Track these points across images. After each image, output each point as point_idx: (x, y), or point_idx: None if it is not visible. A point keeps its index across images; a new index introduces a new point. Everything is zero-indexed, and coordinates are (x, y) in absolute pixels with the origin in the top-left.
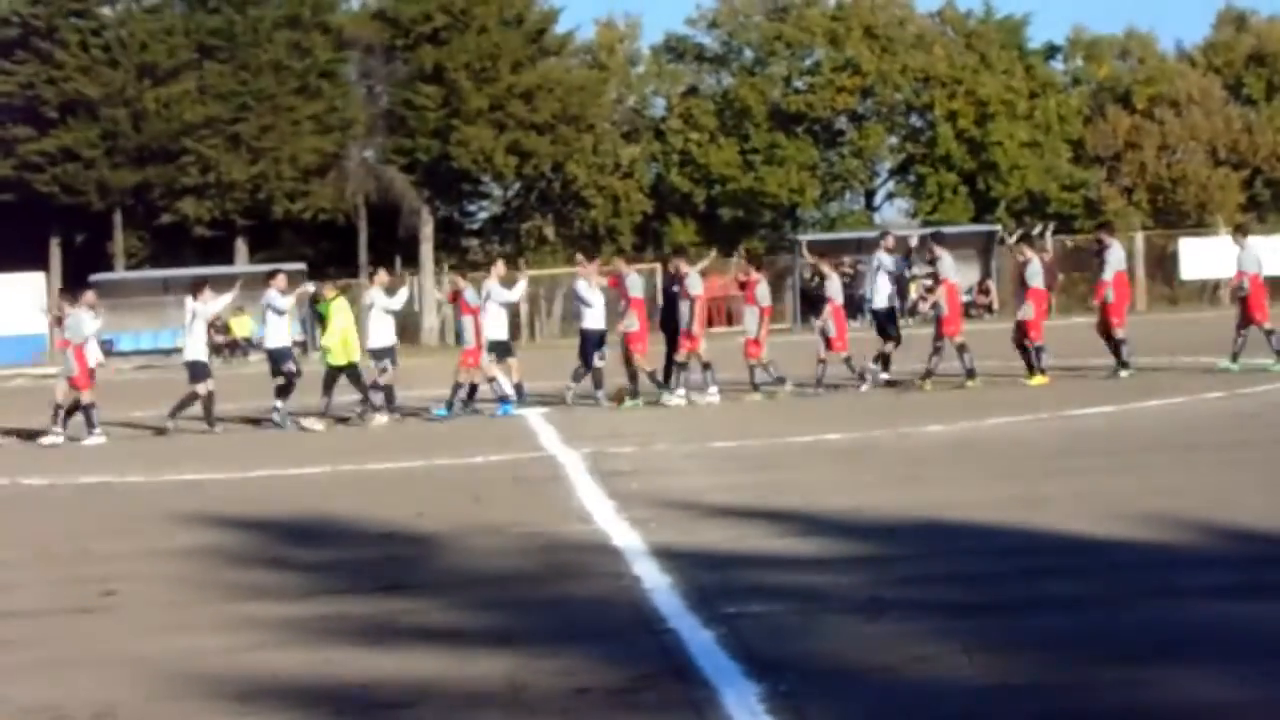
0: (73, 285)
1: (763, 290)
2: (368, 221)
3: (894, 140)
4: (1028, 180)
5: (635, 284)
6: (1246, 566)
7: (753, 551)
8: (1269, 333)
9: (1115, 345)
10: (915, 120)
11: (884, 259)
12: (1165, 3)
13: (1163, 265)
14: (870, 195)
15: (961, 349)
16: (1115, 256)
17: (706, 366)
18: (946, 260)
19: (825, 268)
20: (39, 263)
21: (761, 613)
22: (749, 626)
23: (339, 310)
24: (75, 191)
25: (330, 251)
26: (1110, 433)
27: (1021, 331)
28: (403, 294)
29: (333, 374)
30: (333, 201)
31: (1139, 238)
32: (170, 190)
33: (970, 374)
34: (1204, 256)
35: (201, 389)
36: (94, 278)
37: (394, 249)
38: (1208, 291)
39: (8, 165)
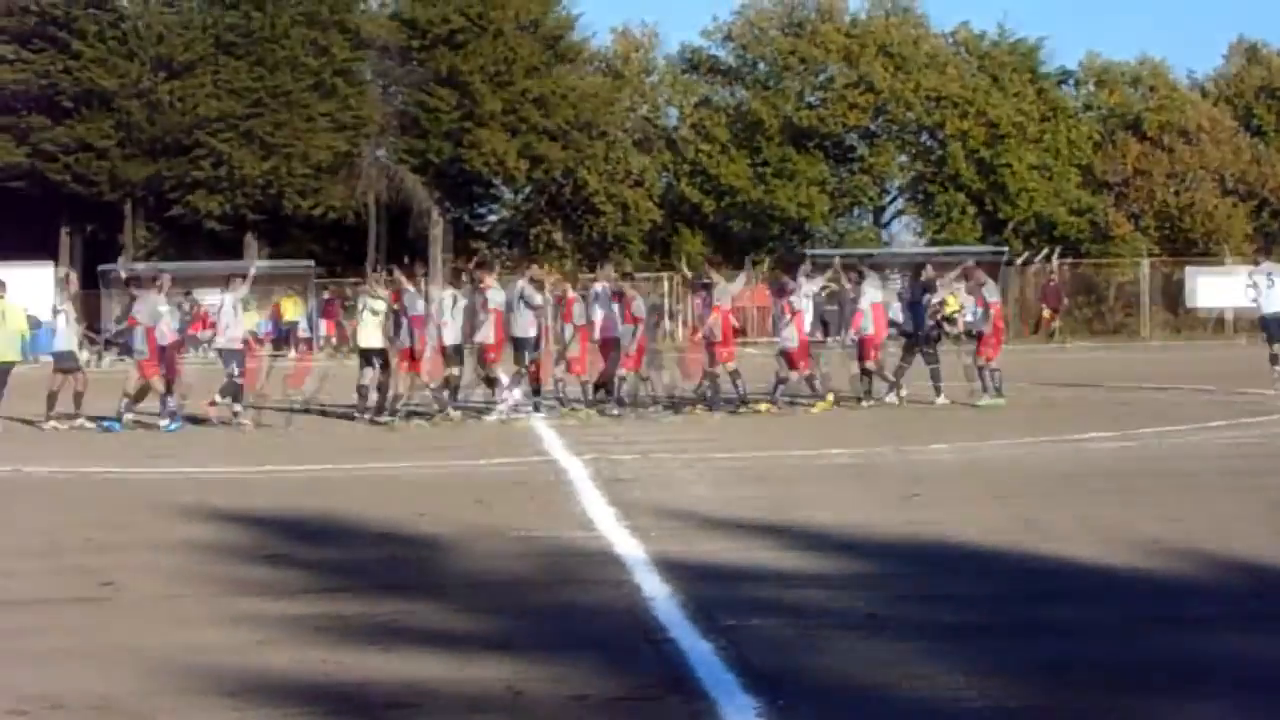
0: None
1: (579, 309)
2: (378, 221)
3: (905, 159)
4: (1036, 203)
5: (414, 301)
6: (1249, 598)
7: (753, 564)
8: (991, 370)
9: (864, 373)
10: (926, 140)
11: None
12: (1178, 33)
13: (1167, 293)
14: (879, 213)
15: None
16: (724, 290)
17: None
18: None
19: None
20: (49, 252)
21: (760, 626)
22: (748, 639)
23: (7, 309)
24: (88, 182)
25: (340, 250)
26: (1113, 459)
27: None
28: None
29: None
30: (344, 200)
31: (1145, 265)
32: (182, 184)
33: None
34: (1212, 286)
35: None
36: (103, 268)
37: (404, 249)
38: (1212, 321)
39: (21, 153)
